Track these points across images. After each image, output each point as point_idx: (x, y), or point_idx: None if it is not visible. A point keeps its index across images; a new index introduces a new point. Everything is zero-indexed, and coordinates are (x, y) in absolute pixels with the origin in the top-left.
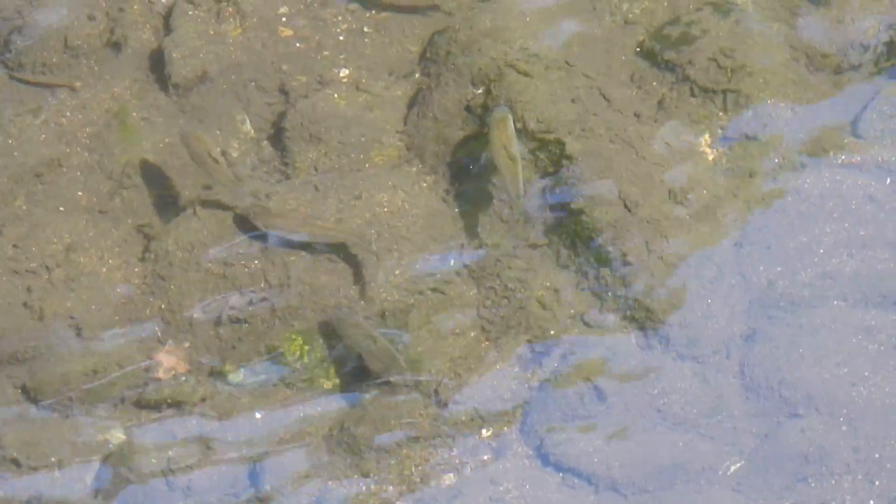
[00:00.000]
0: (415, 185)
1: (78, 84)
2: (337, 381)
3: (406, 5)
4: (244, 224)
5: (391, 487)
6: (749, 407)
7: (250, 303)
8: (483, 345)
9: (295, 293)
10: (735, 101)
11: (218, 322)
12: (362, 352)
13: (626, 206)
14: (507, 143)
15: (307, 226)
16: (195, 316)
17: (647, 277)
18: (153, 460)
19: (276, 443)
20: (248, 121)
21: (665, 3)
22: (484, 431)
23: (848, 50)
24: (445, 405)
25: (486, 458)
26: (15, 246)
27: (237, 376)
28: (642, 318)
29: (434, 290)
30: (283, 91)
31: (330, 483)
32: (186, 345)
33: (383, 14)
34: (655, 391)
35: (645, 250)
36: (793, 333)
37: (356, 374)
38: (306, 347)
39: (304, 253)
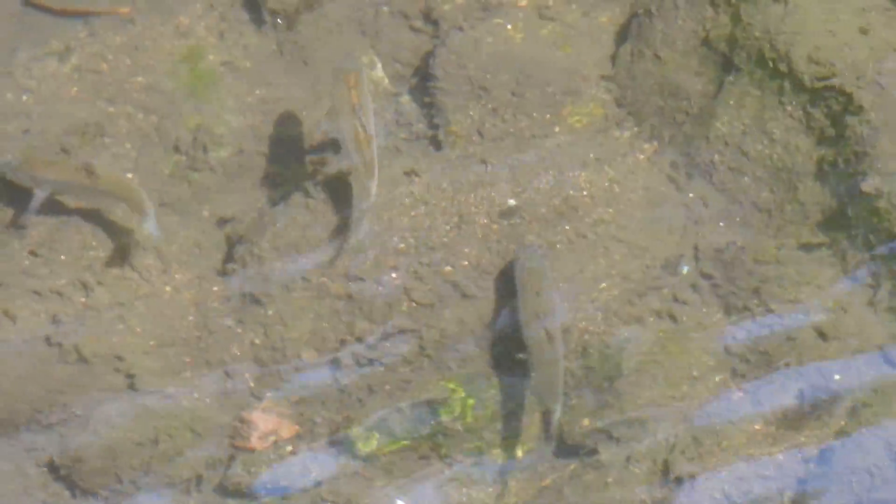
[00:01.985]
0: (628, 158)
1: (125, 9)
2: (517, 449)
3: None
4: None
5: None
6: None
7: (384, 336)
8: (735, 395)
9: (452, 317)
10: None
11: (336, 364)
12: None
13: None
14: None
15: (78, 175)
16: (305, 356)
17: None
18: None
19: None
20: (379, 64)
21: None
22: None
23: None
24: (680, 484)
25: None
26: (33, 254)
27: (369, 443)
28: None
29: (659, 313)
30: (430, 19)
31: None
32: (293, 398)
33: None
34: None
35: None
36: None
37: (545, 436)
38: (470, 401)
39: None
